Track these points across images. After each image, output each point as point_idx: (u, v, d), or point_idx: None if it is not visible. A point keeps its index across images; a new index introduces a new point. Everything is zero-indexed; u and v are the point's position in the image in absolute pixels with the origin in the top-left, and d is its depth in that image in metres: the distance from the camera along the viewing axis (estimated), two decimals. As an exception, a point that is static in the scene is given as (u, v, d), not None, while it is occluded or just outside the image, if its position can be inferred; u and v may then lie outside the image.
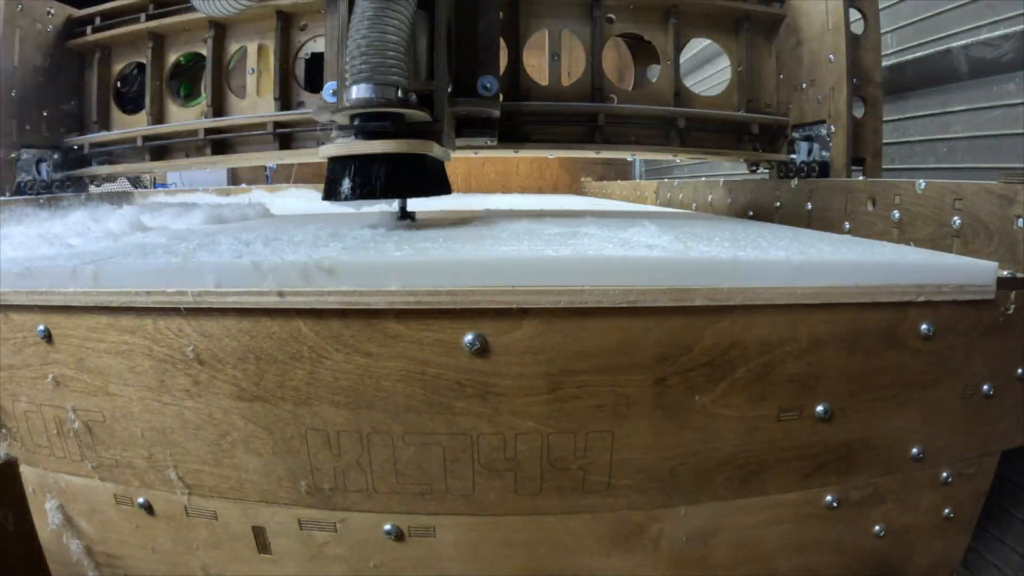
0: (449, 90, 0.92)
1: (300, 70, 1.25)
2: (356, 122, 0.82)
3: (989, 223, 0.81)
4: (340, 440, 0.62)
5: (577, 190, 3.34)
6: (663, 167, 3.19)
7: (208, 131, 1.25)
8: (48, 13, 1.37)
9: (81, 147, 1.38)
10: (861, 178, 1.07)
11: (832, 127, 1.17)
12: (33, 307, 0.64)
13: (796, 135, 1.25)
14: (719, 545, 0.69)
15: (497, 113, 1.03)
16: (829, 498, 0.70)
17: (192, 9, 1.11)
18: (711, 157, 1.34)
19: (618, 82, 1.27)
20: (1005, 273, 0.69)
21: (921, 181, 0.93)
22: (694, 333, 0.60)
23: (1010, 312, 0.68)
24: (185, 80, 1.41)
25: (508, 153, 1.20)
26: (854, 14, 1.19)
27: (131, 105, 1.40)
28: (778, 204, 1.27)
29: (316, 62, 1.29)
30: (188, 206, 1.23)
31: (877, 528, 0.73)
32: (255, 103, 1.25)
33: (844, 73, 1.14)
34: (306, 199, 1.98)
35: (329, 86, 0.92)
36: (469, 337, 0.58)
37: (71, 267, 0.65)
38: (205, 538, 0.70)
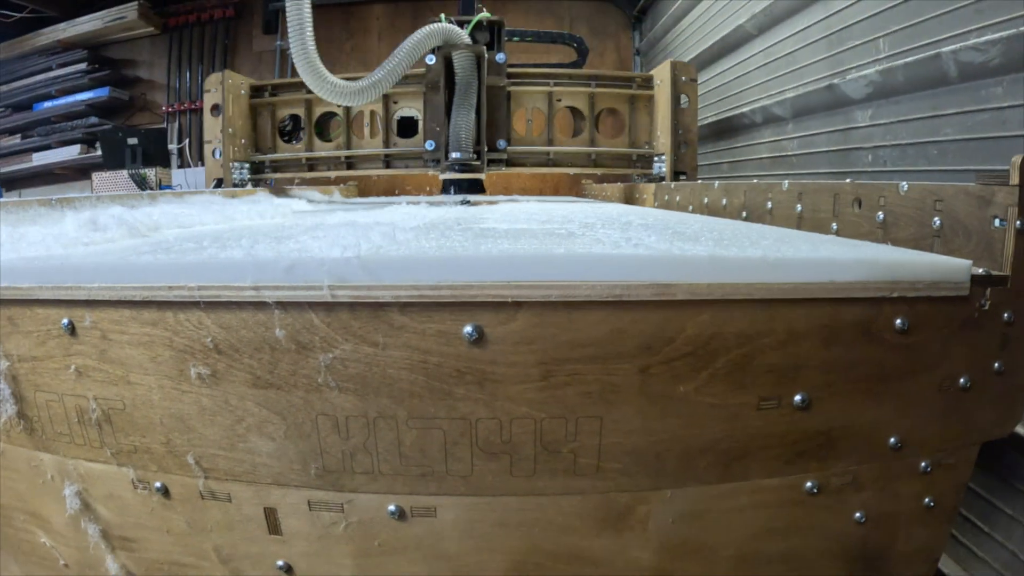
0: (485, 148, 2.18)
1: (394, 125, 2.45)
2: (456, 166, 2.11)
3: (968, 223, 0.82)
4: (348, 425, 0.65)
5: (578, 192, 3.37)
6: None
7: (346, 157, 2.48)
8: (240, 84, 2.47)
9: (263, 162, 2.51)
10: (849, 181, 1.10)
11: (664, 157, 2.38)
12: (58, 301, 0.67)
13: (656, 160, 2.43)
14: (704, 527, 0.72)
15: (506, 156, 2.35)
16: (809, 484, 0.72)
17: None
18: (615, 171, 2.54)
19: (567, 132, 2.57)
20: (980, 271, 0.71)
21: (904, 183, 0.96)
22: (676, 325, 0.63)
23: (986, 308, 0.70)
24: (318, 126, 2.53)
25: (506, 170, 2.48)
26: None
27: (286, 138, 2.59)
28: (770, 206, 1.31)
29: (403, 121, 2.44)
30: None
31: (858, 515, 0.75)
32: (369, 142, 2.49)
33: (670, 128, 2.33)
34: (306, 202, 2.32)
35: (429, 143, 2.20)
36: (468, 328, 0.62)
37: (97, 263, 0.69)
38: (219, 520, 0.73)
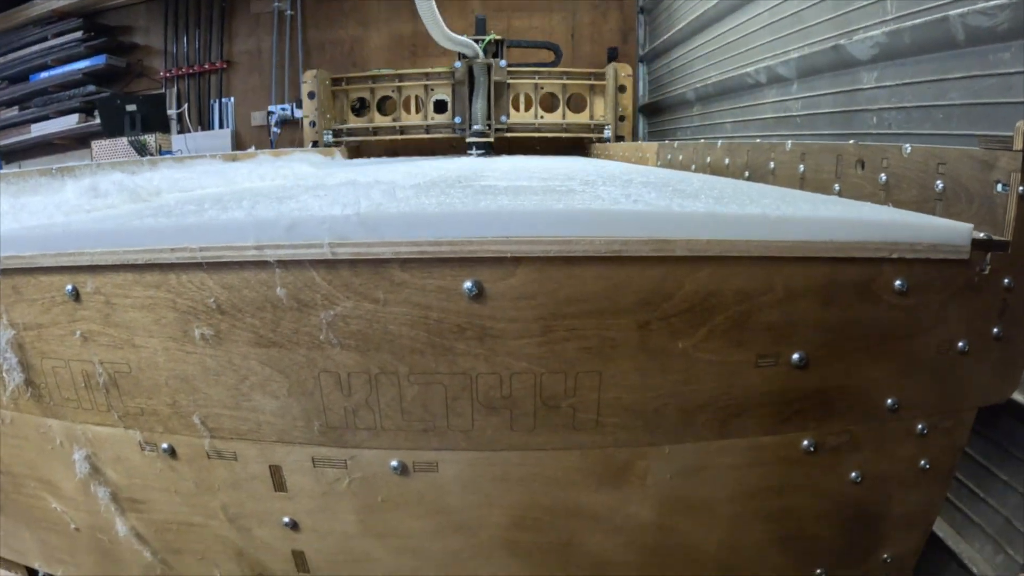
0: (493, 122, 3.35)
1: (431, 105, 3.46)
2: (476, 135, 3.28)
3: (970, 187, 0.81)
4: (351, 381, 0.66)
5: (580, 153, 3.45)
6: (666, 130, 3.66)
7: (399, 127, 3.48)
8: (326, 77, 3.47)
9: (340, 129, 3.52)
10: (852, 142, 1.09)
11: (609, 126, 3.49)
12: (61, 268, 0.68)
13: (605, 128, 3.48)
14: (702, 483, 0.73)
15: (507, 127, 3.46)
16: (806, 443, 0.73)
17: (387, 78, 3.55)
18: (579, 136, 3.57)
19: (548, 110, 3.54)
20: (981, 235, 0.70)
21: (907, 145, 0.95)
22: (675, 281, 0.63)
23: (986, 272, 0.70)
24: (379, 105, 3.55)
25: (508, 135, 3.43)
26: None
27: (356, 113, 3.57)
28: (772, 166, 1.30)
29: (439, 103, 3.46)
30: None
31: (854, 475, 0.76)
32: (414, 116, 3.49)
33: (612, 107, 3.49)
34: (307, 163, 2.28)
35: (457, 118, 3.42)
36: (468, 284, 0.62)
37: (98, 229, 0.69)
38: (225, 479, 0.74)
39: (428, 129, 3.49)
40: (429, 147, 3.80)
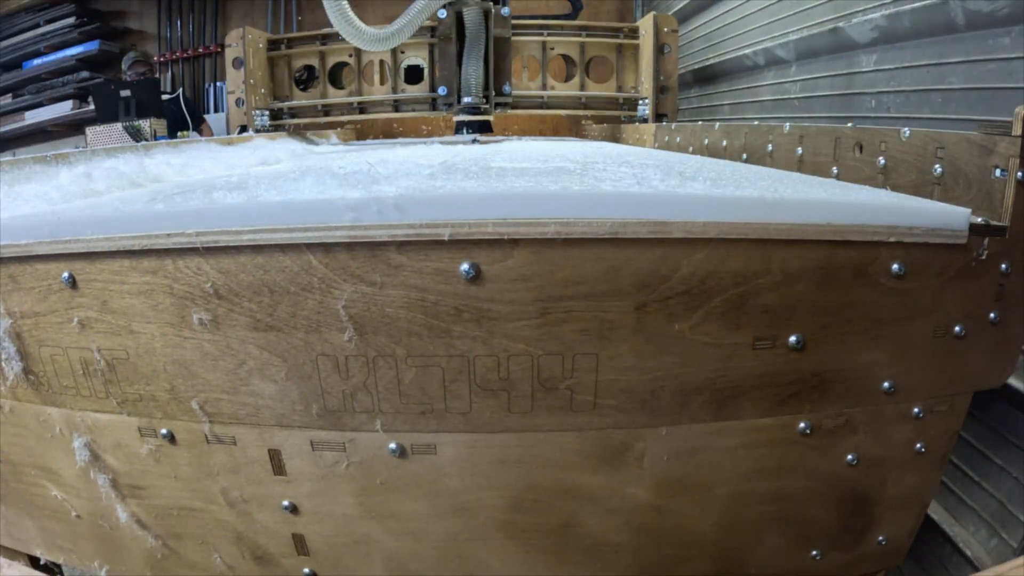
0: (493, 93, 2.27)
1: (401, 72, 2.58)
2: (467, 109, 2.20)
3: (968, 172, 0.81)
4: (348, 364, 0.66)
5: (578, 133, 3.33)
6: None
7: (358, 103, 2.57)
8: (259, 39, 2.57)
9: (280, 109, 2.65)
10: (850, 125, 1.09)
11: (647, 101, 2.49)
12: (58, 256, 0.67)
13: (640, 103, 2.53)
14: (699, 465, 0.74)
15: (511, 100, 2.38)
16: (802, 425, 0.73)
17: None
18: (603, 113, 2.65)
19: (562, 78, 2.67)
20: (979, 220, 0.70)
21: (906, 129, 0.94)
22: (672, 263, 0.63)
23: (983, 258, 0.70)
24: (331, 75, 2.64)
25: (508, 113, 2.54)
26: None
27: (302, 86, 2.70)
28: (770, 148, 1.30)
29: (410, 69, 2.58)
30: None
31: (849, 457, 0.76)
32: (378, 89, 2.60)
33: (652, 76, 2.46)
34: (301, 147, 2.24)
35: (441, 88, 2.27)
36: (465, 266, 0.62)
37: (93, 215, 0.68)
38: (225, 463, 0.74)
39: (398, 106, 2.55)
40: (400, 131, 3.06)
